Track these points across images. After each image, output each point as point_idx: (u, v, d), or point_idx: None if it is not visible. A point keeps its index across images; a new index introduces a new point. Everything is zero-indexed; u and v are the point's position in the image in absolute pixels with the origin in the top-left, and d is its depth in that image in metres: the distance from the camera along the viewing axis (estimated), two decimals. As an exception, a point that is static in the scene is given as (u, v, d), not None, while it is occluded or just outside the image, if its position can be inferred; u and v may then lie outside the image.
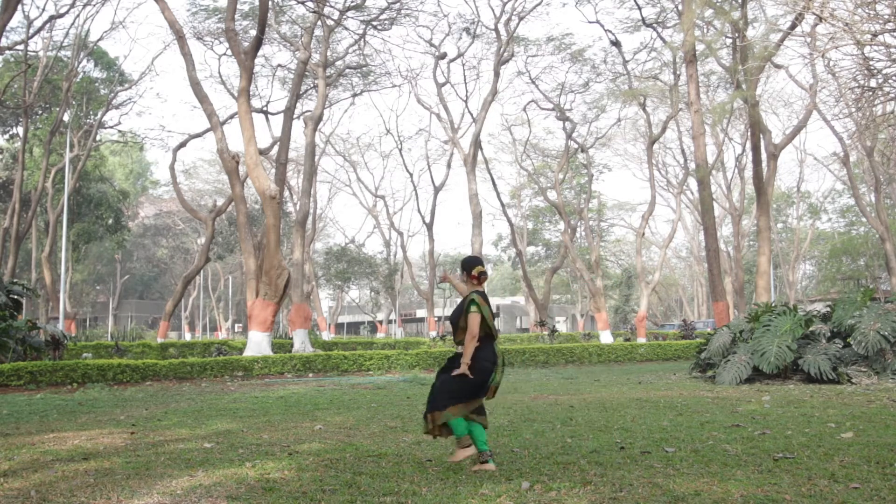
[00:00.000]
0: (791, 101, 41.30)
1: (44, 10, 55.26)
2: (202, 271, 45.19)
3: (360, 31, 28.83)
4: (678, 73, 30.33)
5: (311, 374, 16.28)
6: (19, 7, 21.05)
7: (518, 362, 18.73)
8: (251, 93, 23.80)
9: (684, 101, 29.51)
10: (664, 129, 33.15)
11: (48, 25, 31.79)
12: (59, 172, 34.19)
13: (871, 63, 14.60)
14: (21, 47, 31.30)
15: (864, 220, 41.00)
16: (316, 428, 7.54)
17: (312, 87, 31.84)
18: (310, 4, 24.00)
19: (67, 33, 33.28)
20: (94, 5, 31.52)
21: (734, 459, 5.45)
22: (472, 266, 5.40)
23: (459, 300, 5.42)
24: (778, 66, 28.83)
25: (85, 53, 34.30)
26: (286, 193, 39.54)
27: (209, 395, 11.94)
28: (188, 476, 5.14)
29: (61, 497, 4.59)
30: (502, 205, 41.87)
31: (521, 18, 31.32)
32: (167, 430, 7.60)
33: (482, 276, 5.37)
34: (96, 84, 37.73)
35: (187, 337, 53.69)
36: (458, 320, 5.30)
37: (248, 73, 19.50)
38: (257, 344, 18.30)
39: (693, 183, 37.69)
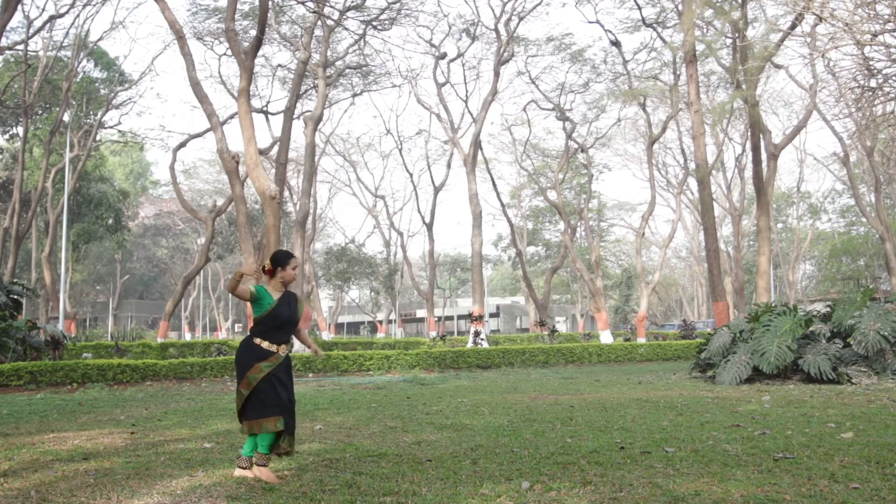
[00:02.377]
0: (791, 101, 41.39)
1: (44, 10, 55.30)
2: (202, 271, 45.19)
3: (360, 31, 28.82)
4: (678, 73, 30.33)
5: (311, 374, 16.28)
6: (19, 7, 21.05)
7: (518, 362, 18.73)
8: (251, 93, 23.80)
9: (684, 101, 29.51)
10: (664, 129, 33.15)
11: (48, 25, 31.79)
12: (59, 172, 34.18)
13: (871, 63, 14.60)
14: (21, 47, 31.30)
15: (864, 220, 41.02)
16: (316, 428, 7.54)
17: (312, 87, 31.84)
18: (310, 4, 24.00)
19: (67, 33, 33.30)
20: (94, 5, 31.53)
21: (734, 459, 5.45)
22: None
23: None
24: (778, 66, 28.83)
25: (85, 53, 34.30)
26: (286, 193, 39.55)
27: (209, 395, 11.94)
28: (188, 476, 5.15)
29: (61, 497, 4.59)
30: (502, 205, 41.89)
31: (521, 18, 31.32)
32: (167, 430, 7.60)
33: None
34: (96, 84, 37.73)
35: (187, 337, 53.68)
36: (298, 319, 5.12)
37: (248, 73, 19.49)
38: (257, 344, 18.27)
39: (693, 183, 37.73)
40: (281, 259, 5.06)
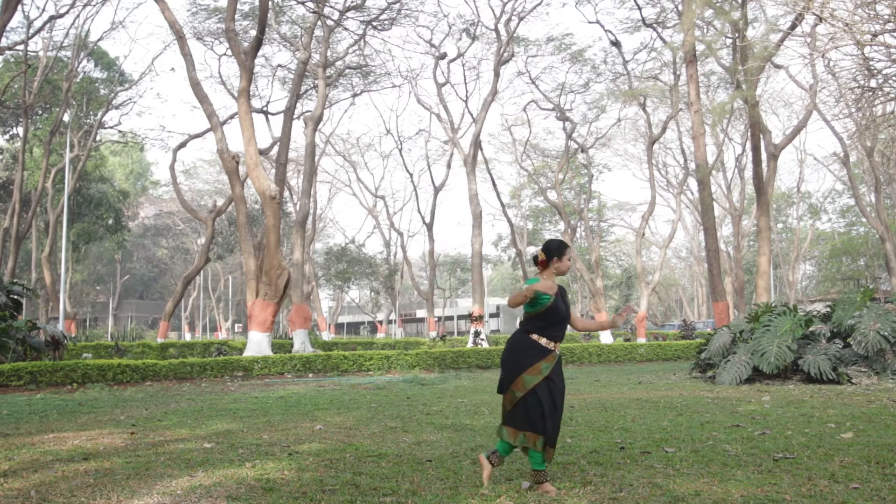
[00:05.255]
0: (791, 101, 41.39)
1: (44, 10, 55.37)
2: (202, 271, 45.19)
3: (360, 32, 28.83)
4: (678, 73, 30.33)
5: (311, 375, 16.28)
6: (19, 7, 21.05)
7: (518, 362, 18.71)
8: (251, 93, 23.80)
9: (684, 101, 29.51)
10: (664, 130, 33.15)
11: (48, 25, 31.81)
12: (59, 172, 34.19)
13: (871, 63, 14.59)
14: (21, 47, 31.31)
15: (864, 220, 41.01)
16: (316, 428, 7.54)
17: (312, 87, 31.84)
18: (310, 4, 24.01)
19: (67, 33, 33.31)
20: (94, 5, 31.54)
21: (734, 459, 5.45)
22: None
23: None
24: (778, 66, 28.82)
25: (85, 53, 34.30)
26: (286, 193, 39.55)
27: (209, 395, 11.94)
28: (188, 476, 5.14)
29: (61, 497, 4.59)
30: (502, 205, 41.88)
31: (521, 19, 31.32)
32: (167, 430, 7.60)
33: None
34: (96, 84, 37.74)
35: (187, 337, 53.69)
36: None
37: (248, 74, 19.50)
38: (257, 344, 18.30)
39: (693, 183, 37.72)
40: (557, 248, 4.70)
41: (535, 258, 4.75)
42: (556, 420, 4.56)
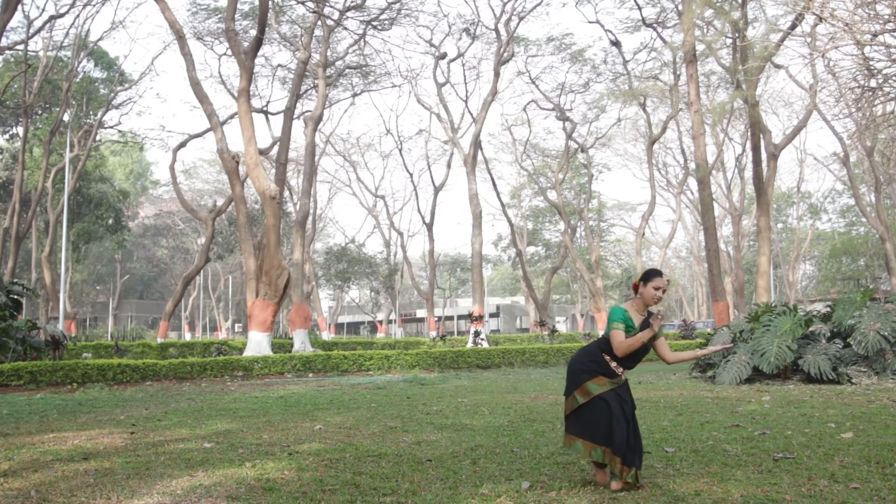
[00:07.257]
0: (791, 101, 41.47)
1: (44, 10, 55.38)
2: (202, 271, 45.19)
3: (360, 31, 28.84)
4: (678, 73, 30.36)
5: (311, 374, 16.27)
6: (19, 7, 21.05)
7: (518, 362, 18.74)
8: (251, 93, 23.81)
9: (684, 101, 29.53)
10: (664, 129, 33.18)
11: (48, 25, 31.83)
12: (59, 172, 34.19)
13: (871, 63, 14.59)
14: (21, 47, 31.33)
15: (864, 220, 41.03)
16: (316, 428, 7.54)
17: (312, 87, 31.85)
18: (310, 4, 24.01)
19: (67, 33, 33.33)
20: (94, 5, 31.56)
21: (734, 459, 5.45)
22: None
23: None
24: (778, 66, 28.84)
25: (85, 53, 34.32)
26: (286, 193, 39.55)
27: (209, 395, 11.94)
28: (188, 476, 5.14)
29: (61, 497, 4.59)
30: (502, 205, 41.91)
31: (521, 18, 31.34)
32: (167, 430, 7.60)
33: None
34: (96, 84, 37.76)
35: (187, 337, 53.68)
36: None
37: (248, 73, 19.50)
38: (257, 344, 18.30)
39: (693, 183, 37.76)
40: (644, 274, 4.75)
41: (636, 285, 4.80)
42: (632, 437, 4.52)
